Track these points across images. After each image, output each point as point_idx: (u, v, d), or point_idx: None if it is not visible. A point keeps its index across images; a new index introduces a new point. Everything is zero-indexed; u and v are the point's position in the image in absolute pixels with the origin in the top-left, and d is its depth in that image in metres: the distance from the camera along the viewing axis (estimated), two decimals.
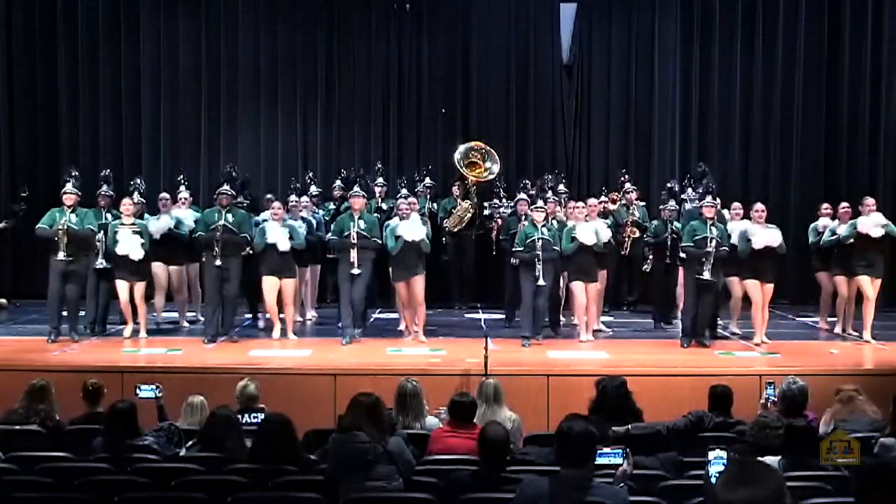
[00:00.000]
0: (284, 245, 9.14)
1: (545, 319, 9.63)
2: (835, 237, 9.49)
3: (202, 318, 10.07)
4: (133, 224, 9.20)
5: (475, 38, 13.11)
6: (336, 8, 13.13)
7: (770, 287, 9.14)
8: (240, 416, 5.54)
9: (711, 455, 4.30)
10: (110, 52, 13.00)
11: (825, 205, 10.08)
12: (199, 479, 4.69)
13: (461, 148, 11.77)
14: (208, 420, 5.43)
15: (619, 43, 13.09)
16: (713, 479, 3.11)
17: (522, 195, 10.24)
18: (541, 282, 9.00)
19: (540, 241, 9.00)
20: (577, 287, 9.33)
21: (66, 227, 8.95)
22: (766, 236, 9.01)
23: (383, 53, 13.07)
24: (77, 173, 9.39)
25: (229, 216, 9.14)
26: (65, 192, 9.14)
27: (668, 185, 10.66)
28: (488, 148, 11.73)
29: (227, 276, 9.13)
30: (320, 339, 9.43)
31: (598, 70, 13.11)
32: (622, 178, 11.62)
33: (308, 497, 4.44)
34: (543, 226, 9.15)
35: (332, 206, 11.44)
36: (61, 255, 8.97)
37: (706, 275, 8.83)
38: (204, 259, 9.43)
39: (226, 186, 9.38)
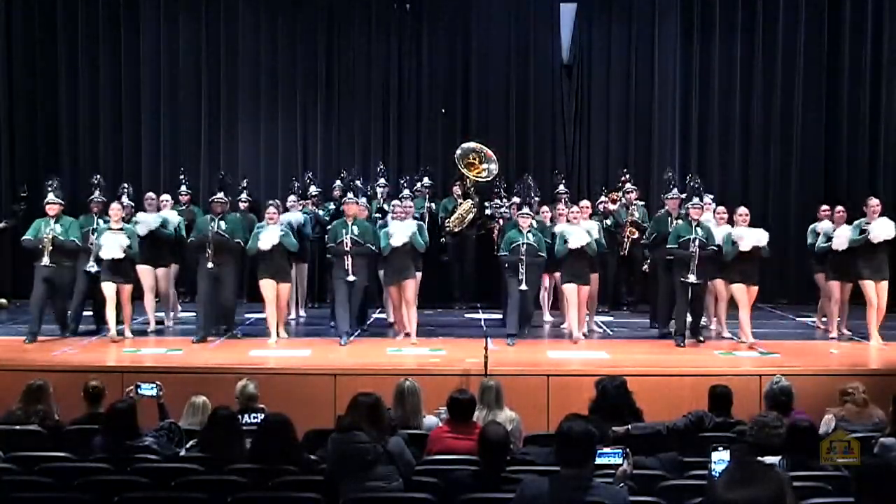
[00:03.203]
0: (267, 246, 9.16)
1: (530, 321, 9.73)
2: (828, 243, 9.36)
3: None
4: (121, 229, 9.20)
5: (475, 37, 13.11)
6: (336, 8, 13.13)
7: (755, 289, 9.08)
8: (240, 416, 5.54)
9: (715, 456, 4.29)
10: (110, 51, 13.01)
11: (824, 206, 10.00)
12: (199, 479, 4.68)
13: (464, 146, 11.77)
14: (209, 420, 5.43)
15: (619, 43, 13.09)
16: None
17: (515, 199, 10.26)
18: (522, 287, 9.05)
19: (524, 245, 9.05)
20: (569, 289, 9.29)
21: (51, 236, 9.05)
22: (753, 237, 8.92)
23: (383, 53, 13.07)
24: (58, 182, 9.44)
25: (222, 223, 9.24)
26: (47, 203, 9.20)
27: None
28: (489, 152, 11.73)
29: (220, 279, 9.18)
30: (320, 339, 9.42)
31: (598, 70, 13.10)
32: (622, 178, 11.62)
33: (308, 497, 4.43)
34: (528, 231, 9.18)
35: (332, 206, 11.44)
36: (45, 261, 9.04)
37: (692, 277, 8.85)
38: (199, 262, 9.44)
39: (220, 194, 9.43)
